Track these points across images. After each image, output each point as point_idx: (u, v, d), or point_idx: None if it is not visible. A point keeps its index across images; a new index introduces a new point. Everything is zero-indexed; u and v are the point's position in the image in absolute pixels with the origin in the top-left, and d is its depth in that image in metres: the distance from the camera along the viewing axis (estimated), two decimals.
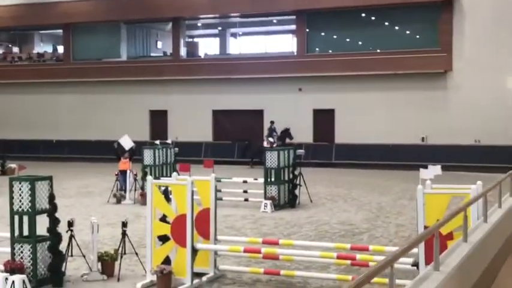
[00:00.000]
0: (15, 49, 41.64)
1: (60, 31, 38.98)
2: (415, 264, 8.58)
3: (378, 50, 31.48)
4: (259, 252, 10.19)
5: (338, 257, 9.64)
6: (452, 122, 29.22)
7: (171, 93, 34.66)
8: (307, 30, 32.63)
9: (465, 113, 29.01)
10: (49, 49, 41.49)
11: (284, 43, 39.59)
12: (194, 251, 10.01)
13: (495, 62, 28.74)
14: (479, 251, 5.62)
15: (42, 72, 36.96)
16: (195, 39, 40.74)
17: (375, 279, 5.17)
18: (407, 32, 31.87)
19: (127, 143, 20.32)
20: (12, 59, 39.63)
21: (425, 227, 8.36)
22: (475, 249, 5.46)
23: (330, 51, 32.79)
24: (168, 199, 11.06)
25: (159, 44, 39.55)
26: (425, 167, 9.35)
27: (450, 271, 4.69)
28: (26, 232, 9.90)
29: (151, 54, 38.41)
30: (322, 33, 33.41)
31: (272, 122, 30.67)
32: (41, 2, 36.66)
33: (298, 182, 18.58)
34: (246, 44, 42.11)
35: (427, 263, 8.24)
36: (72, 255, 10.35)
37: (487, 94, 28.79)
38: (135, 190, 19.45)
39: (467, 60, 29.17)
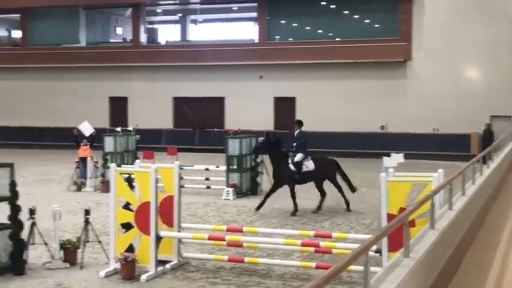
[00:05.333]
0: None
1: (16, 15, 38.17)
2: (378, 251, 8.71)
3: (338, 39, 31.68)
4: (223, 239, 10.20)
5: (302, 244, 9.72)
6: (411, 111, 29.62)
7: (131, 80, 34.32)
8: (268, 18, 32.63)
9: (424, 102, 29.44)
10: (5, 34, 40.57)
11: (245, 31, 39.51)
12: (158, 239, 9.96)
13: (453, 52, 29.23)
14: (445, 237, 5.74)
15: None
16: (155, 26, 40.35)
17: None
18: (367, 21, 32.13)
19: (87, 129, 20.06)
20: None
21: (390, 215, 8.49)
22: (441, 236, 5.58)
23: (291, 39, 32.87)
24: (131, 187, 10.96)
25: (119, 30, 39.07)
26: (386, 155, 9.47)
27: (419, 257, 4.79)
28: None
29: (111, 41, 37.90)
30: (283, 21, 33.45)
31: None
32: None
33: (260, 170, 18.62)
34: (206, 31, 41.88)
35: (390, 249, 8.39)
36: (34, 243, 10.20)
37: (445, 83, 29.27)
38: (96, 177, 19.24)
39: (426, 50, 29.59)
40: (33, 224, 10.17)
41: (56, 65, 34.94)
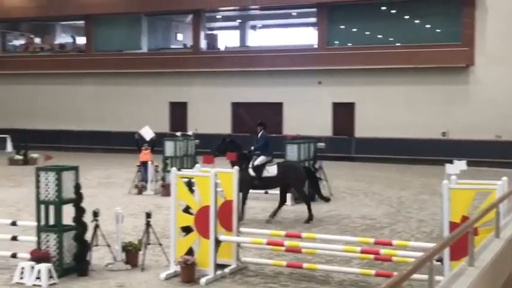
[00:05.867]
0: (37, 40, 41.90)
1: (80, 22, 39.22)
2: (440, 260, 8.57)
3: (398, 44, 31.31)
4: (282, 245, 10.23)
5: (362, 252, 9.65)
6: (473, 117, 29.01)
7: (191, 85, 34.75)
8: (328, 23, 32.54)
9: (486, 108, 28.79)
10: (70, 40, 41.74)
11: (303, 36, 39.47)
12: (217, 243, 10.06)
13: None
14: (510, 246, 5.61)
15: (64, 63, 37.18)
16: (215, 32, 40.74)
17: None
18: (428, 25, 31.63)
19: (148, 133, 20.40)
20: (34, 50, 39.92)
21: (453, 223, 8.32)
22: (506, 245, 5.46)
23: (350, 44, 32.67)
24: (191, 191, 11.09)
25: (179, 36, 39.64)
26: (449, 161, 9.31)
27: (484, 266, 4.70)
28: (51, 221, 10.02)
29: (172, 47, 38.49)
30: (343, 26, 33.28)
31: None
32: None
33: (318, 176, 18.53)
34: (265, 36, 42.06)
35: (452, 258, 8.25)
36: (97, 245, 10.45)
37: (508, 89, 28.56)
38: (156, 181, 19.55)
39: (489, 55, 28.93)
40: (96, 226, 10.42)
41: (118, 70, 35.70)
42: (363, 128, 31.26)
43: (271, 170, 14.62)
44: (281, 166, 14.81)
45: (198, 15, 35.25)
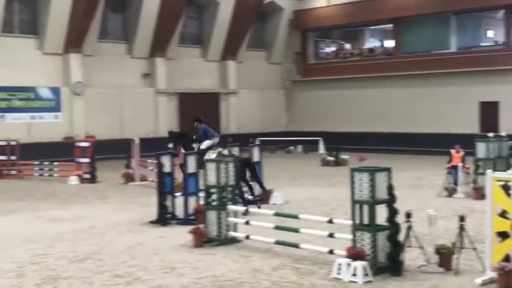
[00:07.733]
0: (347, 46, 43.71)
1: (386, 26, 39.91)
2: None
3: None
4: None
5: None
6: None
7: (503, 84, 32.99)
8: None
9: None
10: (378, 44, 42.73)
11: None
12: None
13: None
14: None
15: (372, 67, 38.20)
16: None
17: None
18: None
19: None
20: (344, 56, 41.70)
21: None
22: None
23: None
24: (507, 194, 10.56)
25: (490, 33, 37.96)
26: None
27: None
28: (365, 221, 10.38)
29: (482, 44, 37.01)
30: None
31: None
32: None
33: None
34: None
35: None
36: (410, 246, 10.54)
37: None
38: (468, 184, 19.01)
39: None
40: (409, 227, 10.52)
41: (426, 71, 35.44)
42: None
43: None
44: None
45: (510, 10, 33.35)
